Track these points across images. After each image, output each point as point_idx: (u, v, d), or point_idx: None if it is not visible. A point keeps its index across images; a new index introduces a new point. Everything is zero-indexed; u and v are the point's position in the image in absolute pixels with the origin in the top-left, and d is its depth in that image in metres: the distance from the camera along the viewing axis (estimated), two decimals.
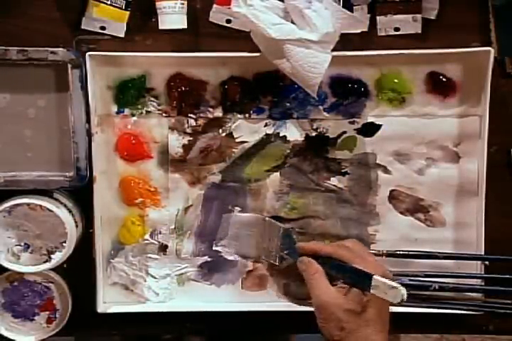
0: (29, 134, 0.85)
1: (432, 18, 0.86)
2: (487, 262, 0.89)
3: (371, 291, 0.74)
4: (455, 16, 0.87)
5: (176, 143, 0.88)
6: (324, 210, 0.90)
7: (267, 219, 0.88)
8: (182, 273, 0.91)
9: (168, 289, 0.91)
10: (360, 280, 0.76)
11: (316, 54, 0.80)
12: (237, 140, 0.89)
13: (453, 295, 0.89)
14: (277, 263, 0.87)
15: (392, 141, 0.89)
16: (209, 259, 0.91)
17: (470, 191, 0.88)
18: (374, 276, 0.74)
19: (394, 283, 0.73)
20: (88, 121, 0.84)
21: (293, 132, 0.89)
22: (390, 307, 0.80)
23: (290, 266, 0.86)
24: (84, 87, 0.83)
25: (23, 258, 0.86)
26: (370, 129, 0.88)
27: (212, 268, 0.91)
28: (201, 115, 0.88)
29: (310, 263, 0.81)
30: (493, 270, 0.89)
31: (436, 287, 0.87)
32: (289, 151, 0.89)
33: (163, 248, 0.90)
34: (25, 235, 0.86)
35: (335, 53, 0.82)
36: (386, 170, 0.89)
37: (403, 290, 0.73)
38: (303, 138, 0.89)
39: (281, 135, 0.89)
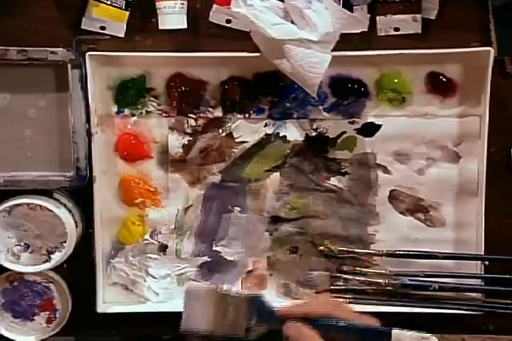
0: (29, 134, 0.85)
1: (432, 18, 0.86)
2: (487, 262, 0.89)
3: None
4: (455, 16, 0.87)
5: (175, 143, 0.88)
6: (324, 210, 0.90)
7: (218, 290, 0.72)
8: (182, 273, 0.91)
9: (168, 289, 0.91)
10: (376, 338, 0.67)
11: (316, 54, 0.80)
12: (237, 140, 0.89)
13: (453, 295, 0.89)
14: (244, 336, 0.71)
15: (392, 141, 0.89)
16: (209, 259, 0.91)
17: (470, 191, 0.88)
18: (394, 331, 0.67)
19: (424, 334, 0.66)
20: (88, 121, 0.84)
21: (293, 132, 0.89)
22: (392, 308, 0.79)
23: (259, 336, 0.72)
24: (84, 87, 0.83)
25: (23, 258, 0.86)
26: (370, 129, 0.88)
27: (212, 268, 0.91)
28: (201, 115, 0.88)
29: (301, 329, 0.68)
30: (493, 270, 0.89)
31: (436, 287, 0.87)
32: (289, 151, 0.89)
33: (163, 248, 0.90)
34: (25, 235, 0.86)
35: (335, 53, 0.82)
36: (386, 170, 0.89)
37: (433, 338, 0.67)
38: (303, 138, 0.89)
39: (281, 135, 0.89)
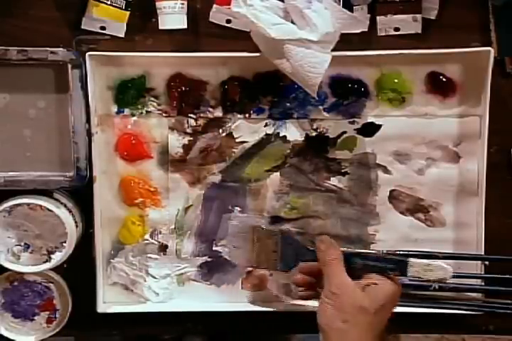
0: (29, 134, 0.85)
1: (432, 18, 0.86)
2: (487, 262, 0.89)
3: (408, 274, 0.75)
4: (455, 16, 0.87)
5: (176, 143, 0.88)
6: (324, 210, 0.90)
7: (262, 228, 0.84)
8: (182, 273, 0.91)
9: (168, 289, 0.91)
10: (396, 265, 0.76)
11: (316, 54, 0.80)
12: (237, 140, 0.89)
13: (453, 295, 0.89)
14: (283, 270, 0.83)
15: (392, 141, 0.89)
16: (209, 259, 0.91)
17: (470, 191, 0.88)
18: (410, 259, 0.75)
19: (434, 262, 0.73)
20: (88, 121, 0.84)
21: (293, 132, 0.89)
22: None
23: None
24: (84, 87, 0.83)
25: (23, 258, 0.86)
26: (370, 129, 0.88)
27: (212, 268, 0.91)
28: (201, 115, 0.88)
29: (331, 244, 0.77)
30: (493, 270, 0.89)
31: (436, 287, 0.87)
32: (289, 151, 0.89)
33: (163, 248, 0.90)
34: (25, 235, 0.86)
35: (335, 53, 0.82)
36: (386, 170, 0.89)
37: (448, 267, 0.74)
38: (303, 138, 0.89)
39: (281, 135, 0.89)
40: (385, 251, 0.88)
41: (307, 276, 0.80)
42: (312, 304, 0.80)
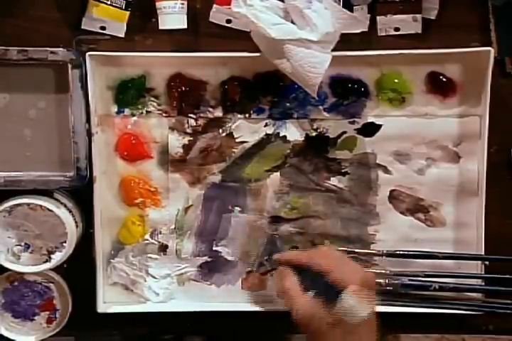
0: (29, 134, 0.85)
1: (432, 18, 0.86)
2: (487, 262, 0.89)
3: (337, 306, 0.71)
4: (455, 16, 0.87)
5: (176, 143, 0.88)
6: (324, 210, 0.90)
7: (260, 222, 0.88)
8: (182, 273, 0.91)
9: (168, 289, 0.91)
10: (329, 293, 0.73)
11: (316, 54, 0.80)
12: (237, 140, 0.89)
13: (453, 295, 0.89)
14: (254, 269, 0.88)
15: (392, 141, 0.89)
16: (209, 259, 0.91)
17: (470, 191, 0.88)
18: (344, 291, 0.71)
19: (360, 301, 0.70)
20: (88, 121, 0.84)
21: (293, 132, 0.89)
22: (392, 308, 0.79)
23: (263, 273, 0.88)
24: (84, 87, 0.83)
25: (23, 258, 0.86)
26: (370, 129, 0.88)
27: (212, 268, 0.91)
28: (201, 115, 0.88)
29: (285, 273, 0.78)
30: (493, 270, 0.89)
31: (437, 287, 0.87)
32: (289, 151, 0.89)
33: (163, 248, 0.90)
34: (25, 235, 0.86)
35: (335, 53, 0.82)
36: (386, 170, 0.89)
37: (364, 312, 0.70)
38: (303, 138, 0.89)
39: (281, 135, 0.89)
40: (385, 251, 0.89)
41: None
42: None
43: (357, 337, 0.72)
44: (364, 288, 0.73)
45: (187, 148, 0.89)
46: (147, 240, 0.90)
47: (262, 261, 0.88)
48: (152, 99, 0.87)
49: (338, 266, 0.75)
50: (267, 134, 0.89)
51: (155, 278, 0.90)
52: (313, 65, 0.81)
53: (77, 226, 0.86)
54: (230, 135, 0.89)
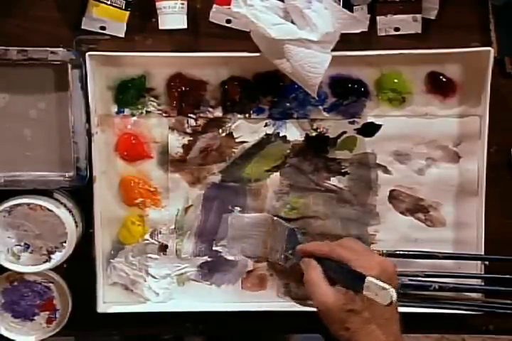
0: (29, 134, 0.85)
1: (432, 18, 0.86)
2: (487, 262, 0.89)
3: (363, 292, 0.73)
4: (455, 16, 0.87)
5: (176, 143, 0.88)
6: (324, 210, 0.90)
7: (275, 218, 0.89)
8: (182, 273, 0.91)
9: (168, 289, 0.91)
10: (354, 281, 0.75)
11: (316, 54, 0.80)
12: (237, 140, 0.89)
13: (453, 295, 0.89)
14: (283, 263, 0.88)
15: (392, 141, 0.89)
16: (209, 259, 0.91)
17: (470, 191, 0.88)
18: (367, 277, 0.73)
19: (385, 285, 0.71)
20: (88, 121, 0.84)
21: (293, 132, 0.89)
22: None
23: (293, 266, 0.87)
24: (84, 87, 0.83)
25: (23, 258, 0.86)
26: (370, 129, 0.88)
27: (212, 268, 0.91)
28: (201, 115, 0.88)
29: (310, 264, 0.81)
30: (493, 270, 0.89)
31: (436, 287, 0.87)
32: (289, 151, 0.89)
33: (163, 248, 0.90)
34: (25, 235, 0.86)
35: (335, 53, 0.82)
36: (386, 170, 0.89)
37: (392, 292, 0.71)
38: (303, 138, 0.89)
39: (281, 135, 0.89)
40: (385, 251, 0.89)
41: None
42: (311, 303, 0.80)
43: (380, 324, 0.76)
44: (385, 276, 0.75)
45: (187, 148, 0.89)
46: (147, 240, 0.90)
47: (286, 255, 0.88)
48: (152, 99, 0.87)
49: (360, 256, 0.78)
50: (266, 134, 0.89)
51: (155, 278, 0.90)
52: (313, 65, 0.81)
53: (77, 226, 0.86)
54: (230, 135, 0.89)
